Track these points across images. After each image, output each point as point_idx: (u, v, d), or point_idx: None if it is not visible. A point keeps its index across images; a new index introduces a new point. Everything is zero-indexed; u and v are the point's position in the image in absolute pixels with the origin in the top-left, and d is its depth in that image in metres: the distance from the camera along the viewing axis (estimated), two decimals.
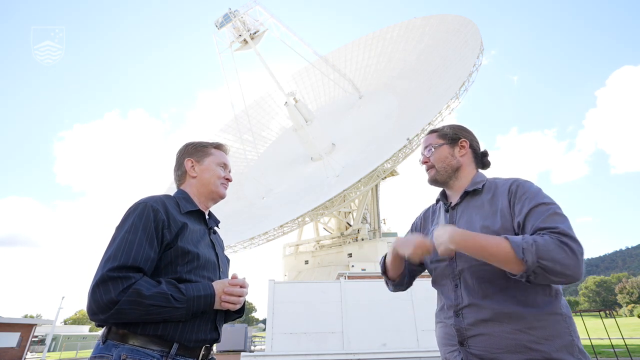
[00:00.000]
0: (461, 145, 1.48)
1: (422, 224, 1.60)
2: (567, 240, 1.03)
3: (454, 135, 1.49)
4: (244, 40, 18.98)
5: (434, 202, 1.61)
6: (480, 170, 1.50)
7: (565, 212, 1.17)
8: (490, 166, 1.52)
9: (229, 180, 1.59)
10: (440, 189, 1.55)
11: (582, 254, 1.03)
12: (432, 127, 16.58)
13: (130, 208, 1.28)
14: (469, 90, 16.96)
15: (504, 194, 1.27)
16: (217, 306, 1.26)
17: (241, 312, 1.42)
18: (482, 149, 1.54)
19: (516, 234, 1.18)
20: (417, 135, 16.57)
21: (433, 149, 1.49)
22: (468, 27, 18.36)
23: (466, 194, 1.39)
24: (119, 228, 1.23)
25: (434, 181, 1.50)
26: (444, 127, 1.55)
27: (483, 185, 1.37)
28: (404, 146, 16.69)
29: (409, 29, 22.76)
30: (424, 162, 1.52)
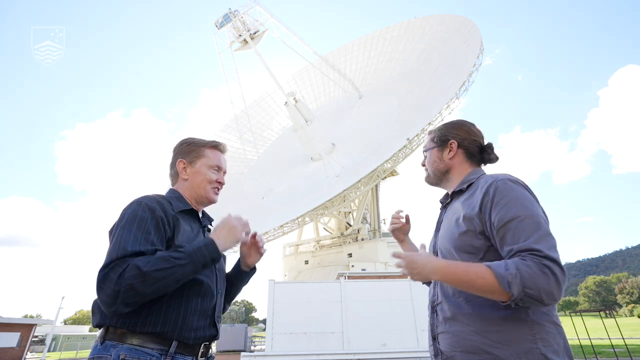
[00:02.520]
0: (450, 147, 1.44)
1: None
2: (551, 265, 0.98)
3: (443, 137, 1.47)
4: (244, 40, 18.96)
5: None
6: (478, 168, 1.44)
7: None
8: (497, 160, 1.44)
9: (221, 184, 1.55)
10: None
11: (564, 280, 0.99)
12: (432, 126, 16.63)
13: (125, 207, 1.28)
14: (469, 90, 16.96)
15: (479, 196, 1.20)
16: (228, 245, 1.31)
17: (254, 269, 1.58)
18: (484, 143, 1.46)
19: (487, 237, 1.16)
20: (417, 135, 16.57)
21: (426, 153, 1.53)
22: (468, 27, 18.36)
23: (454, 194, 1.40)
24: (115, 227, 1.23)
25: (428, 183, 1.54)
26: (436, 128, 1.53)
27: (468, 185, 1.33)
28: (404, 146, 16.68)
29: (409, 29, 22.76)
30: (422, 165, 1.57)
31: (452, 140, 1.45)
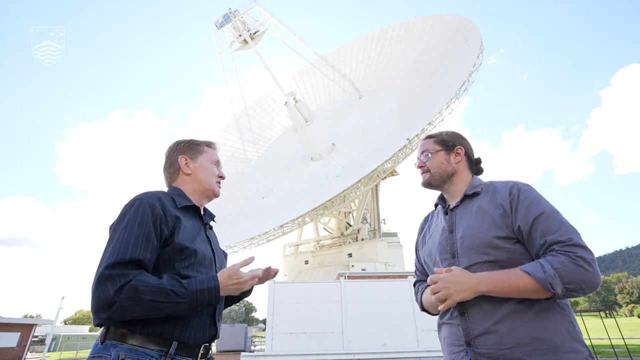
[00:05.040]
0: (457, 152, 1.53)
1: (426, 229, 1.61)
2: (582, 253, 1.09)
3: (450, 142, 1.54)
4: (244, 40, 18.96)
5: (433, 207, 1.66)
6: (477, 176, 1.55)
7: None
8: (483, 172, 1.57)
9: (222, 178, 1.60)
10: (438, 193, 1.60)
11: (595, 261, 1.10)
12: (432, 126, 16.59)
13: (126, 205, 1.26)
14: (469, 90, 16.97)
15: (504, 196, 1.30)
16: (231, 293, 1.25)
17: (249, 292, 1.43)
18: (476, 156, 1.59)
19: (514, 238, 1.23)
20: (417, 135, 16.56)
21: (430, 155, 1.54)
22: (468, 27, 18.36)
23: (465, 197, 1.43)
24: (115, 225, 1.22)
25: (427, 184, 1.55)
26: (441, 133, 1.60)
27: (481, 189, 1.42)
28: (404, 146, 16.68)
29: (409, 29, 22.76)
30: (420, 167, 1.57)
31: (459, 147, 1.54)
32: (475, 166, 1.56)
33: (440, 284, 1.18)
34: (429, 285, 1.37)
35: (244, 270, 1.29)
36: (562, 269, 1.07)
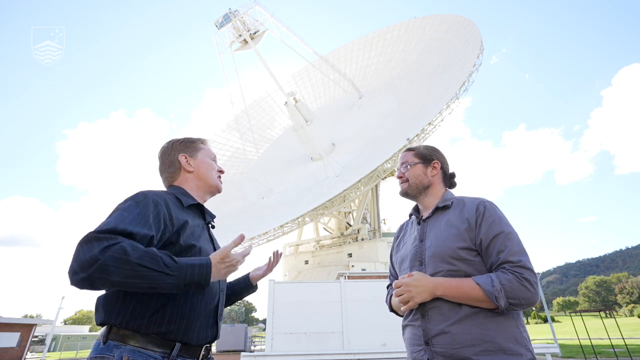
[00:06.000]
0: (433, 166, 1.64)
1: (401, 237, 1.71)
2: (527, 275, 1.23)
3: (428, 156, 1.66)
4: (244, 40, 18.98)
5: (408, 217, 1.76)
6: (449, 190, 1.67)
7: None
8: (456, 186, 1.70)
9: (222, 172, 1.62)
10: (414, 204, 1.70)
11: (537, 283, 1.27)
12: (432, 126, 16.56)
13: (129, 196, 1.25)
14: (469, 90, 16.98)
15: (471, 212, 1.41)
16: (220, 277, 1.20)
17: (257, 287, 1.71)
18: (450, 171, 1.71)
19: (475, 250, 1.35)
20: (417, 135, 16.59)
21: (409, 166, 1.65)
22: (468, 27, 18.37)
23: (437, 209, 1.53)
24: (116, 207, 1.20)
25: (405, 194, 1.65)
26: (419, 146, 1.72)
27: (452, 203, 1.53)
28: (404, 146, 16.68)
29: (409, 29, 22.77)
30: (399, 177, 1.68)
31: (435, 161, 1.65)
32: (449, 180, 1.67)
33: (403, 288, 1.32)
34: None
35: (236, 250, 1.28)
36: (509, 285, 1.21)
